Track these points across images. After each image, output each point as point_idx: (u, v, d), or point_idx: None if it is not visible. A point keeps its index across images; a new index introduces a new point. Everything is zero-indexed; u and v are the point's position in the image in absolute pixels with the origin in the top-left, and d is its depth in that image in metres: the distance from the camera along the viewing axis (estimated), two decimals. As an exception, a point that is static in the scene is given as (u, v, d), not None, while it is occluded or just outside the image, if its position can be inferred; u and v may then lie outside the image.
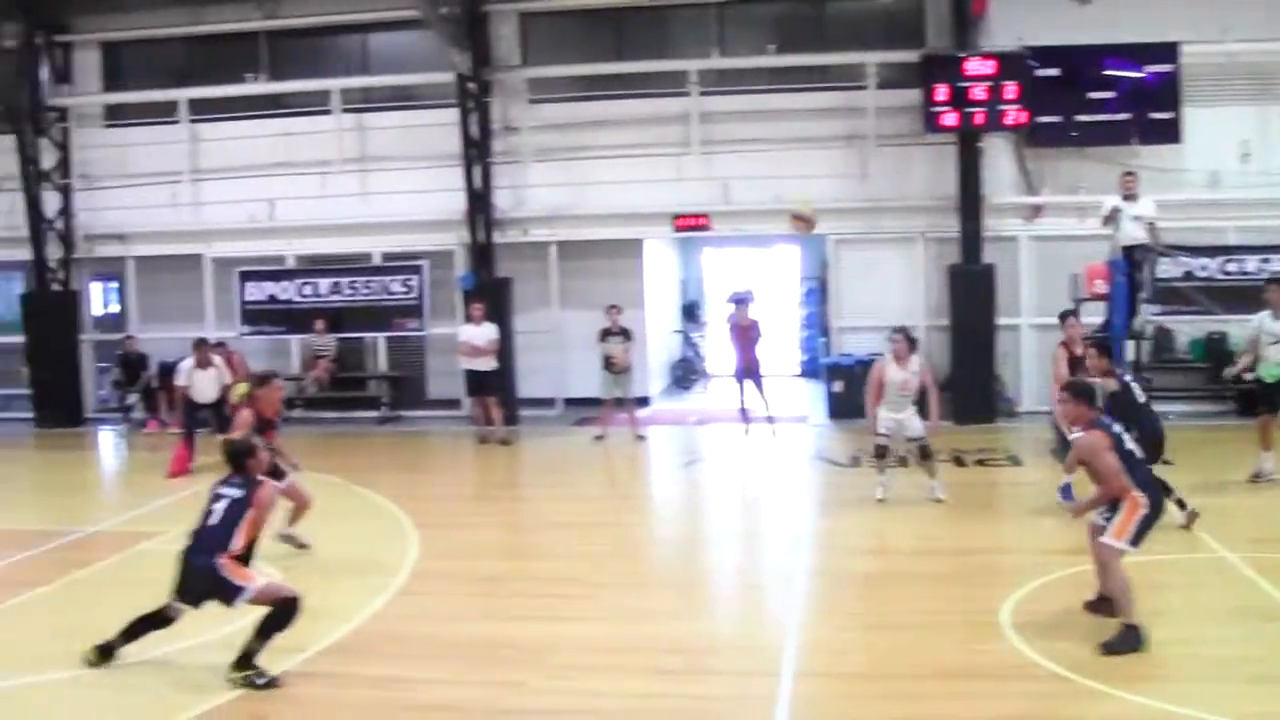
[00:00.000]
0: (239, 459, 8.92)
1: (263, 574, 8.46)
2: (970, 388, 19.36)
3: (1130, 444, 8.83)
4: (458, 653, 8.93)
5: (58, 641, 9.22)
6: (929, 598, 10.08)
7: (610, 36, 21.13)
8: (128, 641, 8.54)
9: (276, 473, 11.72)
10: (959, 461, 16.20)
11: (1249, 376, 14.39)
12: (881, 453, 13.72)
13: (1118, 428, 8.85)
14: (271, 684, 8.17)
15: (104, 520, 14.28)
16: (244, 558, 8.51)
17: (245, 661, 8.20)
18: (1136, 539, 8.55)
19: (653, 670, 8.50)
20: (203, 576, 8.38)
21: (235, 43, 21.84)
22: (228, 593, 8.33)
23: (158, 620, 8.54)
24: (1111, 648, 8.32)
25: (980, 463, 16.12)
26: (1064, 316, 14.67)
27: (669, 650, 8.81)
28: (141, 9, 21.80)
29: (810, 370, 24.72)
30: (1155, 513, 8.62)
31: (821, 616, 9.84)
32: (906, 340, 13.80)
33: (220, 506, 8.59)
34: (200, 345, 17.38)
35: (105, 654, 8.51)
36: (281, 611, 8.29)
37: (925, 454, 13.74)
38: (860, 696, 7.97)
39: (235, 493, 8.66)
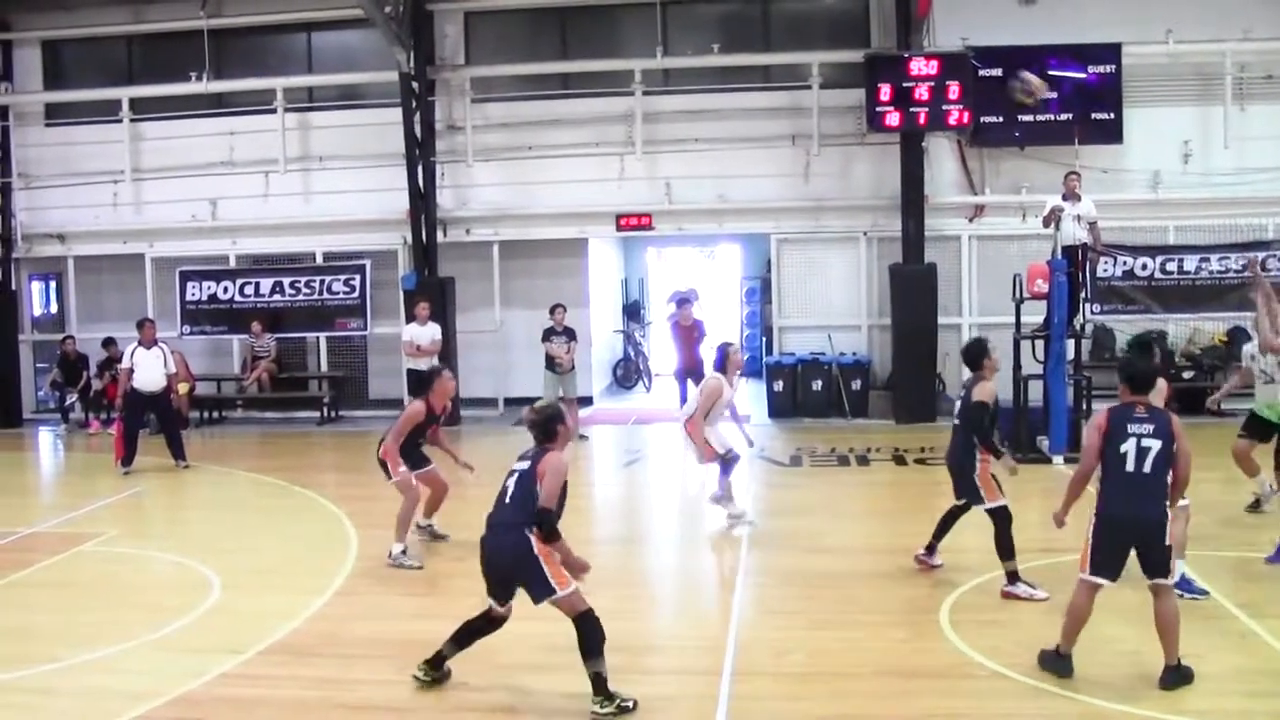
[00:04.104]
0: (547, 426, 8.21)
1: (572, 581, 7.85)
2: (912, 387, 19.40)
3: None
4: (397, 652, 8.78)
5: None
6: (869, 597, 10.03)
7: (555, 35, 21.14)
8: (458, 649, 8.14)
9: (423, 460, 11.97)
10: (899, 460, 16.20)
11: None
12: (729, 469, 12.94)
13: None
14: (625, 708, 7.71)
15: (43, 521, 14.09)
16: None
17: (602, 688, 7.70)
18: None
19: None
20: (512, 557, 7.82)
21: (178, 41, 21.65)
22: (539, 586, 7.75)
23: (486, 624, 8.10)
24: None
25: (920, 462, 16.12)
26: None
27: (609, 649, 8.66)
28: (83, 7, 21.69)
29: (752, 369, 24.63)
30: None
31: (762, 615, 9.77)
32: (738, 356, 13.40)
33: (512, 483, 8.03)
34: (145, 324, 17.32)
35: (436, 664, 8.13)
36: (590, 627, 7.75)
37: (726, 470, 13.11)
38: (801, 696, 7.91)
39: (523, 465, 8.07)
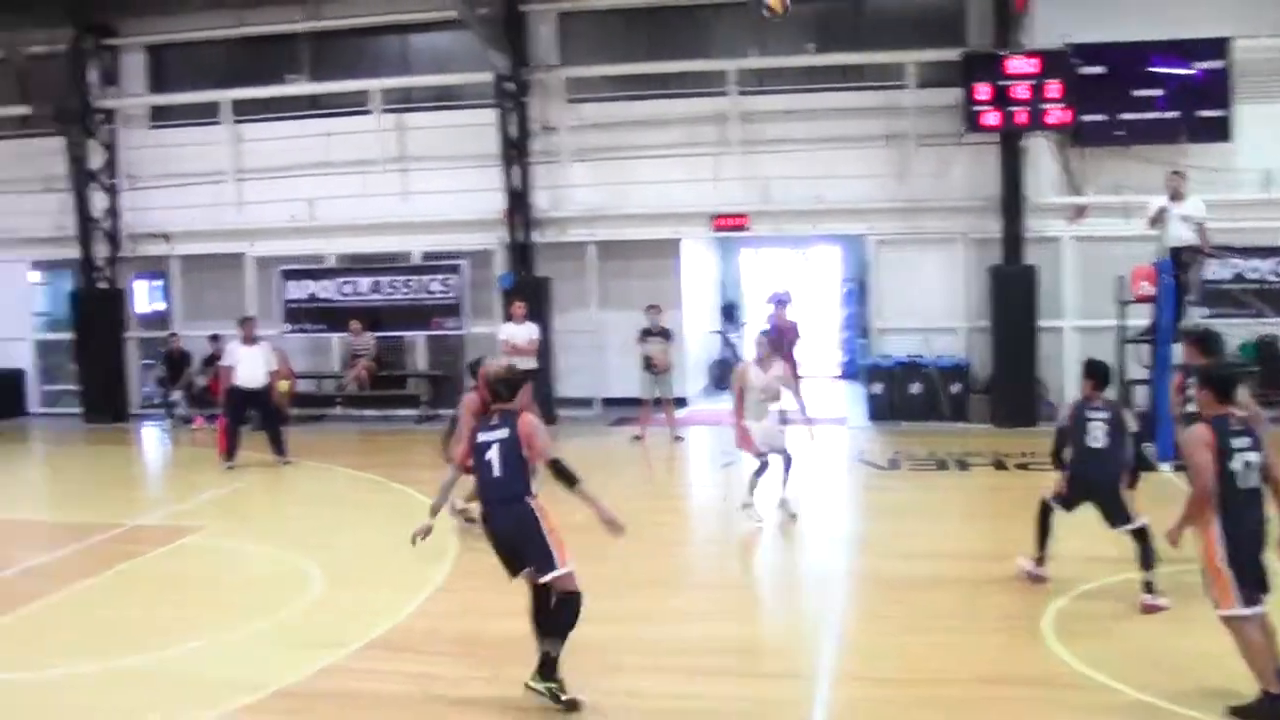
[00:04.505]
0: (513, 384, 8.26)
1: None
2: (1011, 391, 19.13)
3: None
4: (496, 650, 8.86)
5: (103, 633, 9.38)
6: (969, 603, 9.92)
7: (649, 36, 21.06)
8: (550, 639, 7.93)
9: None
10: (999, 465, 16.01)
11: None
12: (762, 471, 13.06)
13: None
14: (573, 705, 7.75)
15: (148, 514, 14.45)
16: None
17: (550, 669, 7.79)
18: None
19: (689, 671, 8.45)
20: (517, 529, 7.85)
21: (277, 44, 21.99)
22: (542, 559, 7.77)
23: (542, 601, 7.96)
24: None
25: (1021, 467, 15.86)
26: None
27: (706, 652, 8.75)
28: (186, 12, 22.03)
29: (850, 372, 24.54)
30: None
31: (860, 620, 9.74)
32: (770, 342, 13.47)
33: (495, 455, 7.89)
34: (246, 321, 17.68)
35: (550, 671, 7.88)
36: (570, 609, 7.83)
37: (788, 465, 13.20)
38: (898, 701, 7.85)
39: (500, 434, 7.93)
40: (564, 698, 7.72)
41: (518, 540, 7.85)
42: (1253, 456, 7.45)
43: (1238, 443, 7.44)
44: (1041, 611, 9.38)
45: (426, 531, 8.12)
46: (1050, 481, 10.38)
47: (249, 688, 8.11)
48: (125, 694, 7.94)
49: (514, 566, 7.93)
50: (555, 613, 7.81)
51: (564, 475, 7.82)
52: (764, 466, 13.06)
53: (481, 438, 7.96)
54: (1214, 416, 7.56)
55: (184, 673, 8.32)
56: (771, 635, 9.65)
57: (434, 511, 8.21)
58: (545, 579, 7.77)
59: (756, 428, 13.04)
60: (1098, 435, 9.75)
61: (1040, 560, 10.25)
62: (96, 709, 7.94)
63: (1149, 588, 9.39)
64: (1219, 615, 7.35)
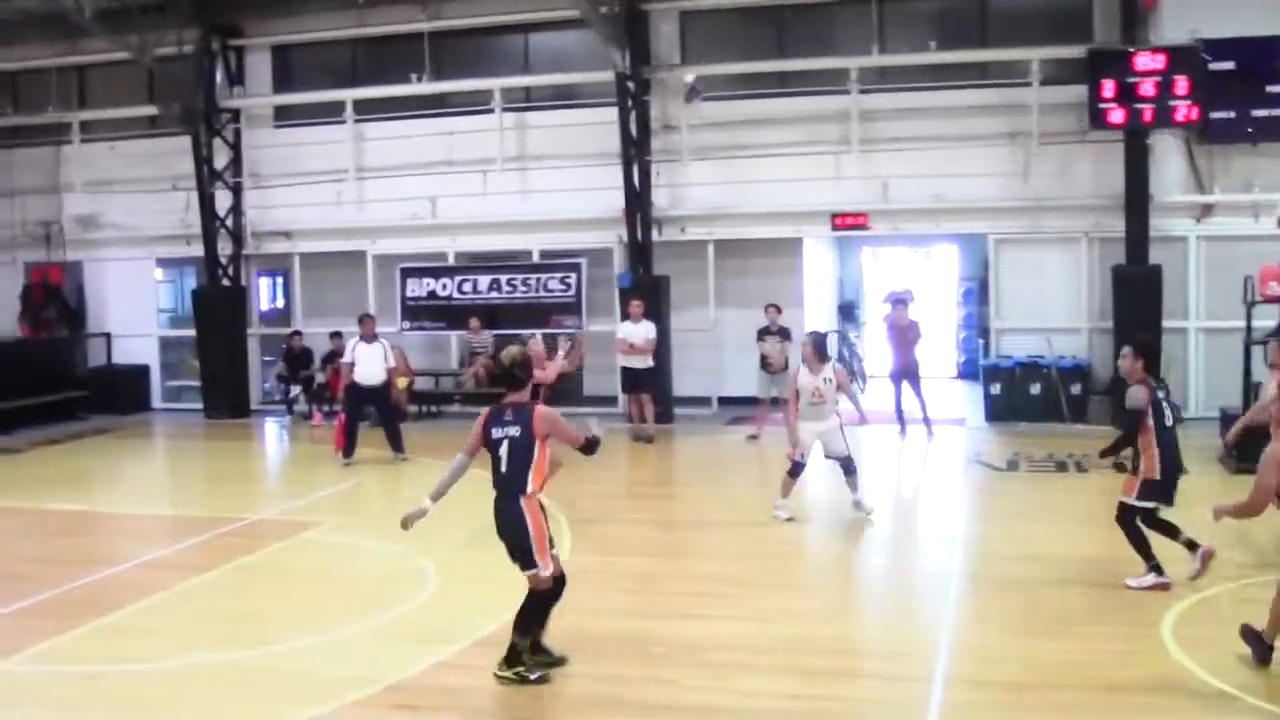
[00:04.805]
0: (515, 374, 8.30)
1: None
2: (1135, 392, 18.84)
3: None
4: (607, 648, 8.97)
5: (220, 626, 9.61)
6: (1087, 607, 9.81)
7: (770, 34, 21.05)
8: (541, 626, 8.46)
9: None
10: (1120, 468, 15.70)
11: None
12: (796, 472, 13.20)
13: None
14: (542, 679, 8.16)
15: (267, 509, 14.74)
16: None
17: (515, 658, 8.14)
18: None
19: (802, 671, 8.44)
20: (507, 524, 8.14)
21: (399, 44, 22.27)
22: (523, 556, 8.10)
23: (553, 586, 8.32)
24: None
25: (1142, 470, 15.71)
26: None
27: (819, 651, 8.74)
28: (310, 13, 22.41)
29: (968, 372, 24.32)
30: None
31: (975, 622, 9.64)
32: (814, 345, 13.38)
33: (504, 451, 8.09)
34: (365, 319, 17.88)
35: (534, 650, 8.37)
36: (540, 605, 8.22)
37: (848, 469, 13.26)
38: (1012, 706, 7.79)
39: (513, 431, 8.08)
40: (532, 676, 8.06)
41: (507, 535, 8.12)
42: None
43: None
44: (1161, 616, 9.27)
45: (420, 514, 8.39)
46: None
47: (360, 683, 8.25)
48: (241, 686, 8.08)
49: (513, 557, 8.20)
50: (523, 605, 8.10)
51: (593, 447, 8.28)
52: (798, 468, 13.15)
53: (495, 434, 8.12)
54: None
55: (297, 667, 8.46)
56: (883, 636, 9.60)
57: (434, 496, 8.41)
58: (525, 574, 8.10)
59: (808, 430, 13.10)
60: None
61: (1159, 569, 10.03)
62: (213, 701, 8.09)
63: None
64: None
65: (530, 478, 8.05)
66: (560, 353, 16.56)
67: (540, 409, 8.15)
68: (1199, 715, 7.60)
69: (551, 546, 8.24)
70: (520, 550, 8.09)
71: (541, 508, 8.22)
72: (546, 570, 8.09)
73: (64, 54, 23.66)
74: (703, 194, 21.00)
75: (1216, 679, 7.96)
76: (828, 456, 13.29)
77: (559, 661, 8.40)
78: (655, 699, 7.99)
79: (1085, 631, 9.17)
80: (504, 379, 8.38)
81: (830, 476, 16.73)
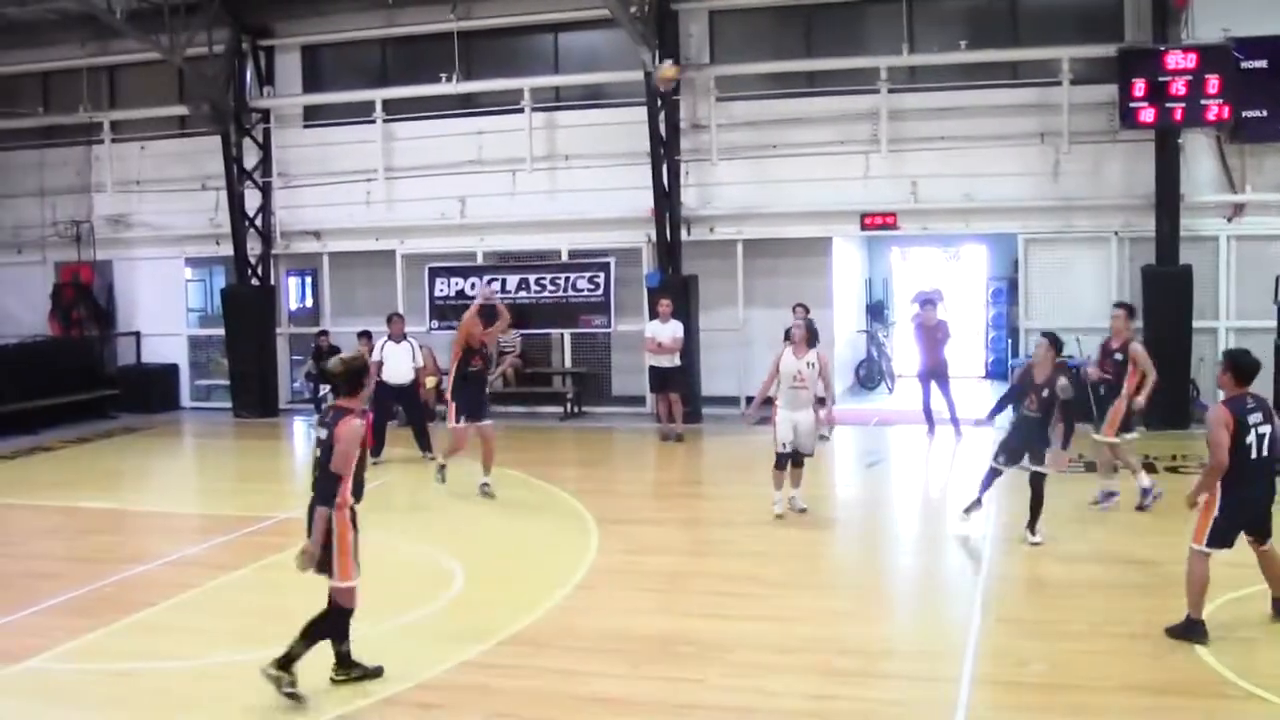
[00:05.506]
0: (353, 379, 8.20)
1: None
2: (1164, 393, 18.64)
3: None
4: (635, 647, 9.01)
5: (248, 625, 9.72)
6: (1115, 608, 9.78)
7: (799, 33, 21.04)
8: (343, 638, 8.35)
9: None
10: (1150, 468, 15.70)
11: None
12: (782, 464, 13.18)
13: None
14: (294, 697, 7.89)
15: (297, 508, 14.68)
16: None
17: (288, 665, 7.92)
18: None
19: (829, 671, 8.46)
20: (313, 531, 8.04)
21: (429, 44, 22.34)
22: (326, 568, 8.03)
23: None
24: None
25: (1172, 470, 15.66)
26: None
27: (846, 652, 8.75)
28: (340, 13, 22.51)
29: (997, 372, 24.22)
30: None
31: (1002, 623, 9.59)
32: (808, 327, 13.50)
33: (319, 453, 8.10)
34: (394, 319, 17.99)
35: (345, 664, 8.30)
36: (334, 622, 8.09)
37: (798, 462, 13.26)
38: (1041, 708, 7.78)
39: (323, 433, 8.06)
40: (286, 690, 7.85)
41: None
42: (1265, 429, 8.78)
43: (1252, 419, 8.74)
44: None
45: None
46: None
47: (389, 681, 8.30)
48: (270, 685, 8.00)
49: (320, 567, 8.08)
50: (317, 617, 7.97)
51: (326, 492, 7.98)
52: (782, 459, 13.14)
53: (317, 434, 8.11)
54: (1231, 398, 8.89)
55: (326, 664, 8.40)
56: (910, 637, 9.61)
57: None
58: (329, 583, 8.00)
59: (786, 418, 13.07)
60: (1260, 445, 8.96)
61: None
62: (243, 698, 8.09)
63: None
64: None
65: (335, 485, 7.97)
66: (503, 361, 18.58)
67: (345, 423, 7.94)
68: (1227, 717, 7.60)
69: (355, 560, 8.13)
70: (325, 561, 7.99)
71: (353, 518, 8.15)
72: (349, 583, 8.00)
73: (95, 54, 23.85)
74: (732, 193, 20.99)
75: (1244, 680, 7.96)
76: (794, 449, 13.18)
77: (374, 673, 8.28)
78: (682, 698, 8.02)
79: (1113, 632, 9.17)
80: (344, 383, 8.21)
81: (856, 475, 16.89)
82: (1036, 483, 11.83)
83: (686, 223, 21.02)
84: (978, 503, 12.53)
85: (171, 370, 24.50)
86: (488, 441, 14.89)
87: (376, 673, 8.26)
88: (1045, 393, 11.83)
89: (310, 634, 7.97)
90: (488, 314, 15.30)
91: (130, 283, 24.63)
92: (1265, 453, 8.78)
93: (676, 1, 20.58)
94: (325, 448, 7.98)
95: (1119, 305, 13.34)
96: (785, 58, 20.87)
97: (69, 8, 21.30)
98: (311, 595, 8.15)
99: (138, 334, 24.56)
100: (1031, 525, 11.83)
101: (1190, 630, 8.72)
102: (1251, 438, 8.68)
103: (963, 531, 12.71)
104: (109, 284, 24.62)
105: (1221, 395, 9.26)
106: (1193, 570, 8.83)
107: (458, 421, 14.84)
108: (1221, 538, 8.80)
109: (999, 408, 13.47)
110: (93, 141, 24.33)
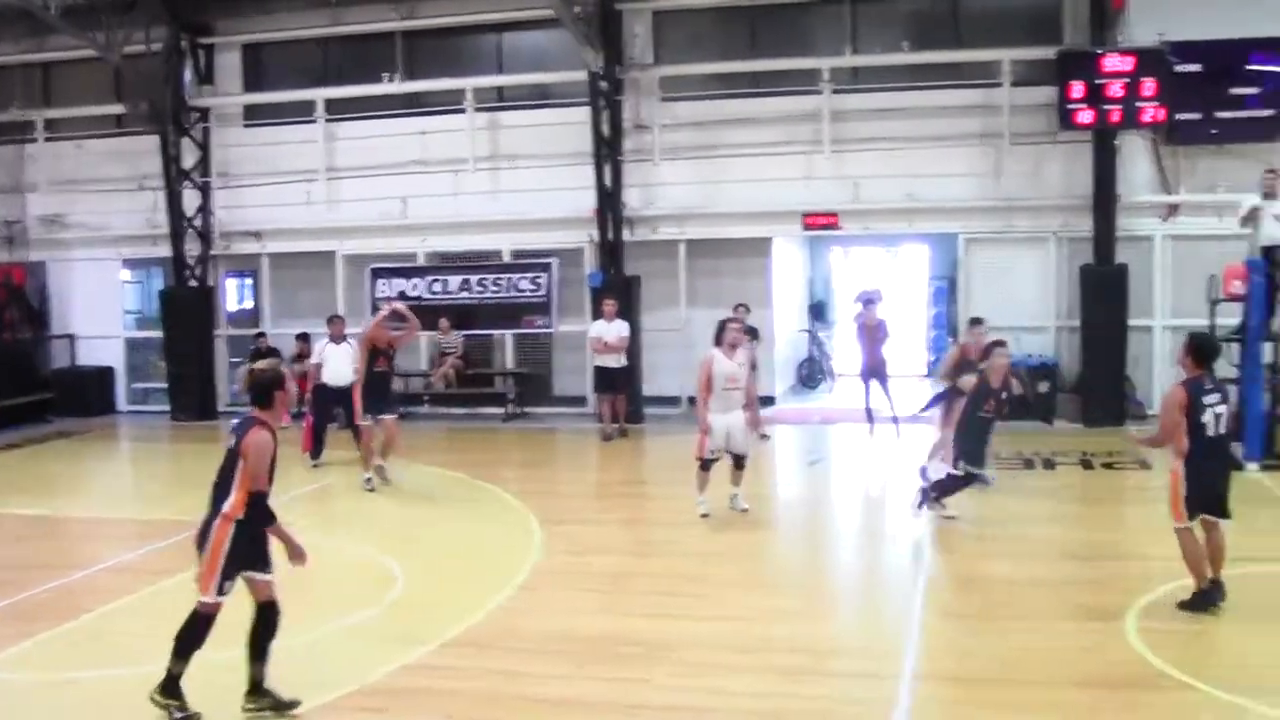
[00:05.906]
0: (266, 390, 7.81)
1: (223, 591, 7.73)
2: (1100, 390, 19.08)
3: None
4: (579, 648, 8.98)
5: None
6: (1054, 602, 9.92)
7: (743, 34, 21.12)
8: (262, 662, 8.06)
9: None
10: (1086, 465, 15.97)
11: None
12: (707, 465, 13.16)
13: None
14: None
15: (234, 513, 14.56)
16: (251, 521, 7.65)
17: (171, 688, 7.64)
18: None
19: (774, 670, 8.45)
20: (201, 538, 7.71)
21: (372, 43, 22.25)
22: (197, 579, 7.72)
23: (262, 616, 7.95)
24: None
25: (1108, 466, 15.88)
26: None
27: (791, 650, 8.76)
28: (281, 11, 22.34)
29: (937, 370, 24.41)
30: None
31: (943, 619, 9.66)
32: (747, 329, 13.69)
33: (225, 459, 7.73)
34: (334, 320, 17.81)
35: (258, 692, 7.90)
36: (193, 632, 7.66)
37: (740, 464, 13.31)
38: (978, 702, 7.84)
39: (230, 441, 7.72)
40: (176, 716, 7.60)
41: (199, 543, 7.70)
42: (1221, 408, 9.40)
43: (1209, 399, 9.35)
44: (1124, 612, 9.37)
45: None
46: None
47: (329, 685, 8.18)
48: (213, 689, 7.85)
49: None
50: (181, 629, 7.69)
51: (256, 512, 7.62)
52: (708, 463, 13.13)
53: (227, 441, 7.77)
54: (1190, 379, 9.43)
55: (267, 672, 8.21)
56: (851, 634, 9.63)
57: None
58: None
59: (720, 422, 13.00)
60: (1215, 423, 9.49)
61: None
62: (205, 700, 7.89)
63: None
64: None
65: (232, 495, 7.61)
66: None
67: (253, 435, 7.62)
68: (1162, 708, 7.68)
69: (229, 579, 7.71)
70: (199, 572, 7.69)
71: (236, 532, 7.66)
72: (206, 598, 7.61)
73: (29, 50, 23.45)
74: (674, 194, 21.02)
75: (1178, 671, 8.07)
76: (729, 451, 13.16)
77: (289, 705, 7.81)
78: (630, 699, 7.99)
79: (1050, 627, 9.28)
80: (256, 394, 7.86)
81: (798, 475, 16.94)
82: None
83: (629, 223, 21.01)
84: (939, 502, 12.76)
85: (108, 373, 24.12)
86: (389, 432, 15.62)
87: (291, 705, 7.82)
88: (1004, 395, 12.32)
89: (180, 647, 7.64)
90: (397, 319, 15.99)
91: (65, 284, 24.21)
92: (1222, 430, 9.43)
93: (620, 2, 20.59)
94: (229, 456, 7.65)
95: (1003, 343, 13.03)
96: (729, 58, 20.94)
97: (3, 3, 20.82)
98: (248, 600, 7.93)
99: (72, 336, 24.18)
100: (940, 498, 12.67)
101: (1204, 599, 9.24)
102: (1208, 416, 9.30)
103: (905, 528, 12.82)
104: (42, 285, 24.18)
105: (1182, 375, 9.64)
106: (1184, 546, 9.35)
107: (364, 419, 15.44)
108: (1194, 507, 9.33)
109: (934, 402, 14.27)
110: (26, 140, 23.94)
